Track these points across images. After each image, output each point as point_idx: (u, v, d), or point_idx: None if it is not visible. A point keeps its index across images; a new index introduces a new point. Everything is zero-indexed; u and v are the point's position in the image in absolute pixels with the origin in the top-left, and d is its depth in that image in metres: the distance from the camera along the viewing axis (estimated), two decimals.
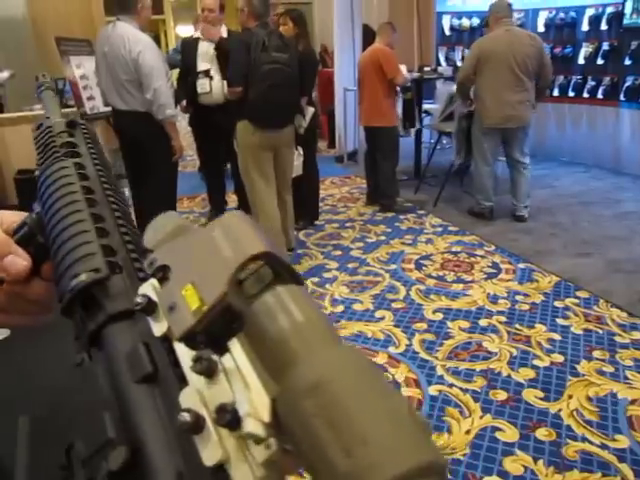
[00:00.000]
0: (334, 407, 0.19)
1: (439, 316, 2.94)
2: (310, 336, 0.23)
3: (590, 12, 5.84)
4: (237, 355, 0.24)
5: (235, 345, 0.25)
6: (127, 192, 4.89)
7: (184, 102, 4.14)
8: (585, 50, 5.91)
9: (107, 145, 5.64)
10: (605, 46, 5.71)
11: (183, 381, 0.26)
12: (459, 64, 6.77)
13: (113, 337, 0.30)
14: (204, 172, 4.50)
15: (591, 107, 5.82)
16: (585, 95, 5.88)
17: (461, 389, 2.31)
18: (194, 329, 0.25)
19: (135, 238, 0.38)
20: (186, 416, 0.23)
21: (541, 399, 2.23)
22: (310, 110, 3.84)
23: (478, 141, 4.21)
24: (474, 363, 2.50)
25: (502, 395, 2.27)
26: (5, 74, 6.00)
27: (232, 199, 4.69)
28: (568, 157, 6.10)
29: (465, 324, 2.84)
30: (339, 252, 3.90)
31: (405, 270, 3.54)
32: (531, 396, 2.25)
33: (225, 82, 3.52)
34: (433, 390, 2.32)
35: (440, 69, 5.77)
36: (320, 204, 4.64)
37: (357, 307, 3.08)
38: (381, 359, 2.56)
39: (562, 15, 6.10)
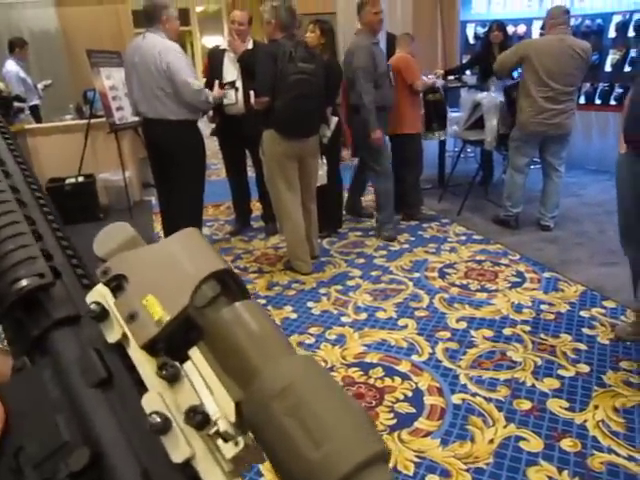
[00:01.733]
0: (302, 407, 0.23)
1: (463, 325, 2.93)
2: (269, 347, 0.26)
3: (617, 19, 5.78)
4: (198, 362, 0.26)
5: (195, 353, 0.27)
6: (153, 200, 4.98)
7: (211, 112, 4.21)
8: (612, 57, 5.84)
9: (135, 154, 5.77)
10: (632, 53, 5.64)
11: (141, 386, 0.27)
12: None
13: (59, 342, 0.29)
14: (229, 180, 4.56)
15: (618, 115, 5.74)
16: (612, 103, 5.81)
17: (485, 398, 2.31)
18: (157, 337, 0.27)
19: (71, 243, 0.36)
20: (156, 417, 0.25)
21: (566, 409, 2.21)
22: (334, 120, 3.89)
23: (516, 147, 4.17)
24: (498, 372, 2.49)
25: (526, 405, 2.25)
26: (45, 82, 6.17)
27: (256, 207, 4.74)
28: (594, 165, 6.03)
29: (489, 333, 2.83)
30: (362, 260, 3.91)
31: (428, 278, 3.54)
32: (556, 406, 2.23)
33: (252, 92, 3.57)
34: (456, 399, 2.32)
35: (464, 77, 5.75)
36: (343, 212, 4.66)
37: (380, 315, 3.09)
38: (404, 367, 2.57)
39: (588, 22, 6.04)
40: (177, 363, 0.27)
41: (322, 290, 3.47)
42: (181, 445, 0.25)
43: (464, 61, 6.57)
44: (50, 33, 7.20)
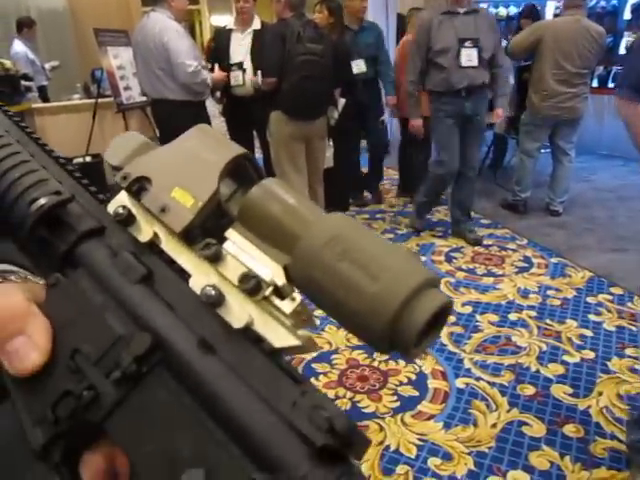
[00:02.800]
0: (353, 250, 0.25)
1: (468, 309, 2.92)
2: (304, 213, 0.27)
3: (633, 0, 5.67)
4: (237, 240, 0.27)
5: (232, 233, 0.28)
6: None
7: (218, 93, 4.18)
8: (627, 40, 5.74)
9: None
10: None
11: (184, 274, 0.28)
12: None
13: (90, 253, 0.30)
14: None
15: None
16: None
17: (488, 383, 2.31)
18: (193, 223, 0.28)
19: (74, 168, 0.36)
20: (210, 290, 0.26)
21: (570, 395, 2.21)
22: (342, 101, 3.85)
23: (527, 132, 4.12)
24: (502, 357, 2.49)
25: (530, 390, 2.25)
26: (53, 64, 6.14)
27: None
28: (606, 150, 5.96)
29: (494, 318, 2.83)
30: None
31: (435, 262, 3.53)
32: (560, 392, 2.23)
33: (259, 73, 3.54)
34: (460, 383, 2.32)
35: None
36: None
37: None
38: None
39: (603, 3, 5.94)
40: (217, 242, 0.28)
41: None
42: (238, 311, 0.26)
43: None
44: (58, 12, 7.14)
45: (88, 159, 5.16)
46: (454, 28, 3.30)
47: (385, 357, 2.53)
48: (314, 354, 2.58)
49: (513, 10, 6.81)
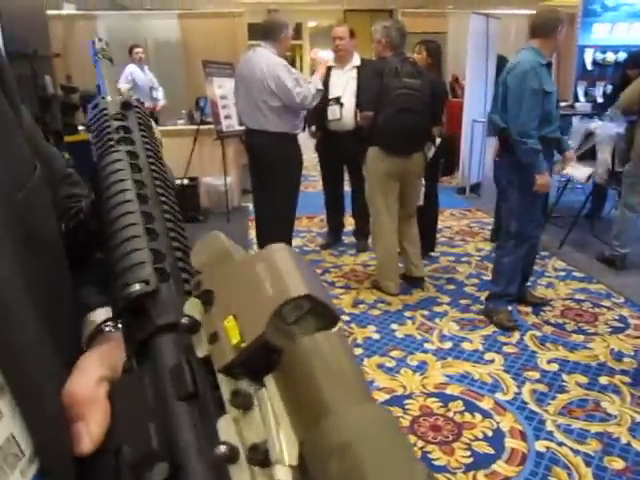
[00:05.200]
0: (356, 473, 0.21)
1: (554, 367, 2.76)
2: (343, 389, 0.24)
3: None
4: (271, 392, 0.26)
5: (270, 382, 0.26)
6: (250, 207, 5.14)
7: (313, 127, 4.29)
8: None
9: (238, 161, 5.99)
10: None
11: (220, 405, 0.28)
12: (600, 101, 6.41)
13: (160, 349, 0.31)
14: (325, 194, 4.61)
15: None
16: None
17: (572, 449, 2.16)
18: (233, 364, 0.27)
19: (184, 242, 0.38)
20: (223, 449, 0.25)
21: None
22: (438, 141, 3.82)
23: (631, 184, 3.89)
24: (589, 423, 2.32)
25: (619, 464, 2.08)
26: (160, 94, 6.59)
27: (349, 222, 4.75)
28: None
29: (583, 379, 2.65)
30: (452, 286, 3.81)
31: (521, 313, 3.38)
32: None
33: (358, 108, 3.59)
34: (540, 446, 2.18)
35: (578, 105, 5.49)
36: (437, 235, 4.57)
37: (466, 346, 2.99)
38: (486, 404, 2.46)
39: None
40: (251, 390, 0.27)
41: (407, 313, 3.41)
42: (244, 477, 0.25)
43: (578, 87, 6.27)
44: (171, 43, 7.67)
45: (186, 182, 5.43)
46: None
47: (461, 408, 2.43)
48: (387, 396, 2.53)
49: (622, 56, 6.54)
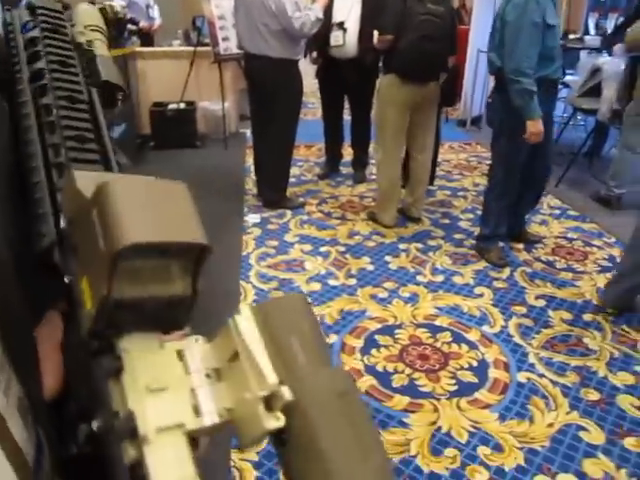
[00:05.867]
0: (359, 418, 0.28)
1: (541, 302, 2.85)
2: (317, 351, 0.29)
3: None
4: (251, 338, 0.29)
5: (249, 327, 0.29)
6: (248, 133, 5.08)
7: (315, 53, 4.17)
8: None
9: (236, 86, 5.86)
10: None
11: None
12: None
13: (73, 303, 0.30)
14: (324, 123, 4.54)
15: None
16: None
17: (551, 381, 2.27)
18: (91, 332, 0.27)
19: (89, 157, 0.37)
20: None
21: (637, 407, 2.14)
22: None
23: (632, 123, 3.84)
24: (570, 357, 2.43)
25: (594, 395, 2.19)
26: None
27: (347, 152, 4.72)
28: None
29: (567, 315, 2.74)
30: (447, 221, 3.85)
31: (513, 249, 3.44)
32: (626, 403, 2.16)
33: (375, 32, 3.42)
34: (522, 377, 2.29)
35: (587, 38, 5.32)
36: (435, 169, 4.56)
37: (457, 280, 3.06)
38: (473, 336, 2.56)
39: None
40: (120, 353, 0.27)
41: (402, 246, 3.46)
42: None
43: (589, 19, 6.05)
44: None
45: (182, 106, 5.33)
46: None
47: (448, 339, 2.53)
48: (379, 325, 2.62)
49: None
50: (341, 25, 3.91)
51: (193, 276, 0.28)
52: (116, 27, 4.22)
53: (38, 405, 0.31)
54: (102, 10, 0.57)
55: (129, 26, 4.91)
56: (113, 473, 0.26)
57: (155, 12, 6.58)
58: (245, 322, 0.28)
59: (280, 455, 0.28)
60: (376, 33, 3.37)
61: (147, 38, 6.28)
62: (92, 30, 0.50)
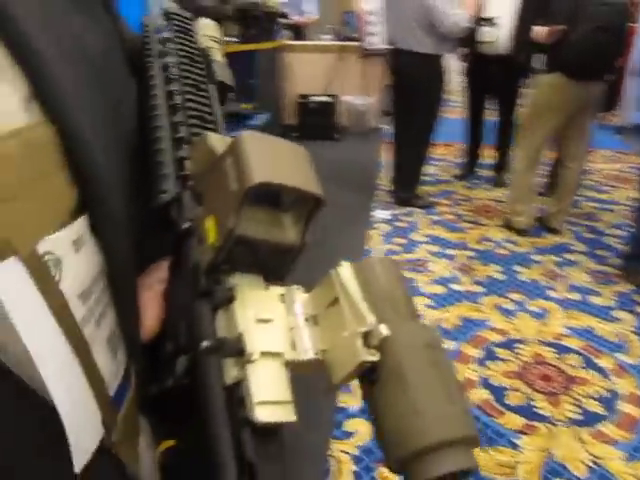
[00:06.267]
0: (445, 368, 0.30)
1: None
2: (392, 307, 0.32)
3: None
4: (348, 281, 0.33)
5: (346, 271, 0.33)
6: (385, 129, 5.06)
7: (464, 49, 4.04)
8: None
9: (379, 82, 5.86)
10: None
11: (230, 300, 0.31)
12: None
13: (184, 253, 0.34)
14: (467, 123, 4.39)
15: None
16: None
17: None
18: (212, 265, 0.31)
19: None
20: (205, 344, 0.30)
21: None
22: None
23: None
24: None
25: None
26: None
27: (487, 154, 4.52)
28: None
29: None
30: (591, 235, 3.55)
31: None
32: None
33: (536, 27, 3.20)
34: None
35: None
36: (583, 178, 4.21)
37: (595, 300, 2.81)
38: (606, 363, 2.33)
39: None
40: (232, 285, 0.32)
41: (536, 257, 3.25)
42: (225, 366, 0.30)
43: None
44: None
45: (325, 98, 5.44)
46: None
47: (576, 363, 2.33)
48: (500, 338, 2.49)
49: None
50: (490, 20, 3.74)
51: (304, 228, 0.32)
52: (269, 21, 4.41)
53: (134, 343, 0.35)
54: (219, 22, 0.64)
55: (280, 19, 5.08)
56: (207, 399, 0.29)
57: (310, 6, 6.76)
58: (347, 272, 0.32)
59: (368, 395, 0.31)
60: (536, 28, 3.11)
61: (299, 32, 6.48)
62: (211, 39, 0.58)
